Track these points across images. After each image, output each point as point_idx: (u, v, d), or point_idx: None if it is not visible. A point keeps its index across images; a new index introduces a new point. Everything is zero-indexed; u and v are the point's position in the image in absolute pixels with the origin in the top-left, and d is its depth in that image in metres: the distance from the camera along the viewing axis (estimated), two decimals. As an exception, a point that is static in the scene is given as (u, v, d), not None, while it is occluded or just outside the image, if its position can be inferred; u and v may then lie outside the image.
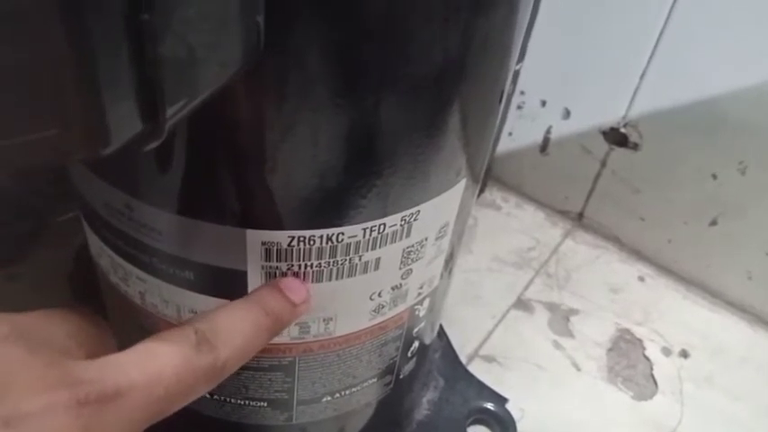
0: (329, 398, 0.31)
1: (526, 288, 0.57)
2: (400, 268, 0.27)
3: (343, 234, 0.24)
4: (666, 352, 0.53)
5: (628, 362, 0.52)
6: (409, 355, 0.34)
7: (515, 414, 0.45)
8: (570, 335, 0.54)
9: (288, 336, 0.27)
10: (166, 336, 0.20)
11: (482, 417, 0.45)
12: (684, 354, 0.53)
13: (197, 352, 0.20)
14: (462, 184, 0.27)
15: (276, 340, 0.27)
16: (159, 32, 0.14)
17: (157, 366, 0.19)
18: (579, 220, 0.64)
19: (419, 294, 0.30)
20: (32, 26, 0.12)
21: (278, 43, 0.19)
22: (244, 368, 0.28)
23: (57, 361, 0.18)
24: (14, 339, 0.18)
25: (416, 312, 0.31)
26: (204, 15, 0.16)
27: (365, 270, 0.26)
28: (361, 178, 0.23)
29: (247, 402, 0.30)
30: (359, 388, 0.32)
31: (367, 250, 0.25)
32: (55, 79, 0.13)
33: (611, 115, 0.56)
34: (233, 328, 0.22)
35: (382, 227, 0.25)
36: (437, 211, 0.27)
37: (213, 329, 0.21)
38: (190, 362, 0.20)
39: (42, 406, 0.16)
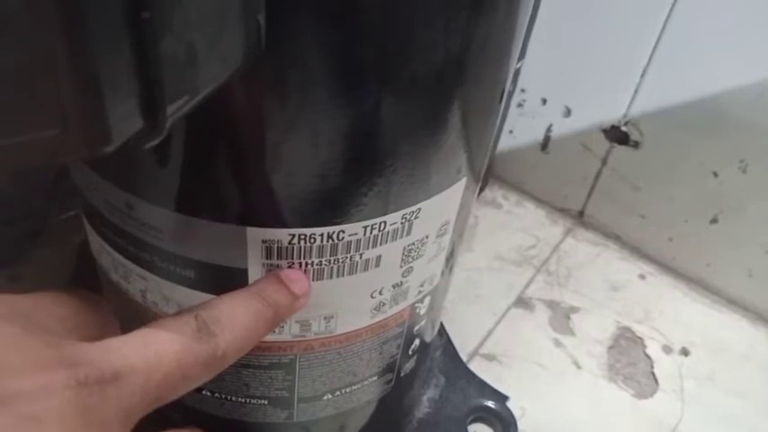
0: (330, 396, 0.31)
1: (527, 286, 0.57)
2: (401, 266, 0.27)
3: (343, 232, 0.24)
4: (667, 350, 0.53)
5: (628, 360, 0.52)
6: (410, 353, 0.34)
7: (516, 412, 0.45)
8: (571, 333, 0.54)
9: (289, 333, 0.27)
10: (166, 322, 0.20)
11: (483, 415, 0.45)
12: (685, 352, 0.53)
13: (197, 339, 0.20)
14: (463, 182, 0.27)
15: (277, 338, 0.27)
16: (159, 30, 0.14)
17: (157, 352, 0.19)
18: (580, 218, 0.64)
19: (420, 292, 0.30)
20: (31, 25, 0.12)
21: (279, 42, 0.19)
22: (244, 366, 0.28)
23: (55, 342, 0.18)
24: (13, 319, 0.18)
25: (417, 310, 0.31)
26: (205, 13, 0.16)
27: (366, 268, 0.26)
28: (361, 176, 0.23)
29: (248, 400, 0.30)
30: (360, 386, 0.32)
31: (368, 248, 0.25)
32: (55, 78, 0.13)
33: (612, 113, 0.56)
34: (233, 317, 0.22)
35: (383, 225, 0.25)
36: (438, 209, 0.27)
37: (213, 317, 0.21)
38: (190, 348, 0.20)
39: (39, 385, 0.16)
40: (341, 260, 0.25)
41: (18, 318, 0.18)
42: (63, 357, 0.17)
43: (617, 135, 0.57)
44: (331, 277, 0.26)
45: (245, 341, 0.22)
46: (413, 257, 0.27)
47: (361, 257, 0.25)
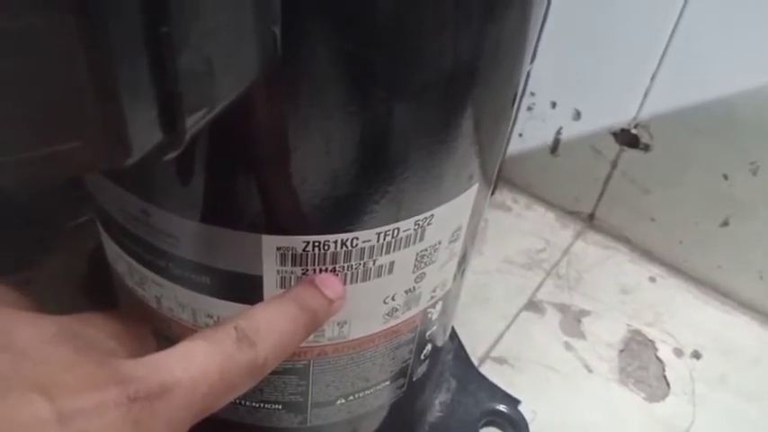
0: (343, 401, 0.31)
1: (537, 289, 0.57)
2: (414, 272, 0.27)
3: (357, 239, 0.24)
4: (678, 353, 0.53)
5: (639, 363, 0.52)
6: (422, 357, 0.34)
7: (527, 416, 0.45)
8: (582, 336, 0.54)
9: (302, 339, 0.27)
10: (206, 334, 0.21)
11: (494, 419, 0.45)
12: (696, 354, 0.53)
13: (238, 349, 0.21)
14: (475, 187, 0.27)
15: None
16: (178, 44, 0.14)
17: (201, 364, 0.20)
18: (590, 221, 0.64)
19: (432, 297, 0.30)
20: (52, 41, 0.12)
21: (293, 52, 0.19)
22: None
23: (105, 360, 0.18)
24: (63, 340, 0.19)
25: (429, 315, 0.31)
26: (222, 26, 0.16)
27: (379, 274, 0.26)
28: (374, 184, 0.23)
29: (262, 405, 0.30)
30: (372, 391, 0.32)
31: (381, 254, 0.25)
32: (76, 92, 0.13)
33: (622, 116, 0.56)
34: (271, 325, 0.22)
35: (396, 231, 0.25)
36: (450, 215, 0.27)
37: (252, 326, 0.22)
38: (232, 358, 0.20)
39: (94, 403, 0.17)
40: (354, 266, 0.25)
41: (68, 337, 0.19)
42: (113, 375, 0.18)
43: (627, 138, 0.57)
44: (345, 283, 0.26)
45: (285, 347, 0.23)
46: (425, 263, 0.28)
47: (374, 264, 0.26)
